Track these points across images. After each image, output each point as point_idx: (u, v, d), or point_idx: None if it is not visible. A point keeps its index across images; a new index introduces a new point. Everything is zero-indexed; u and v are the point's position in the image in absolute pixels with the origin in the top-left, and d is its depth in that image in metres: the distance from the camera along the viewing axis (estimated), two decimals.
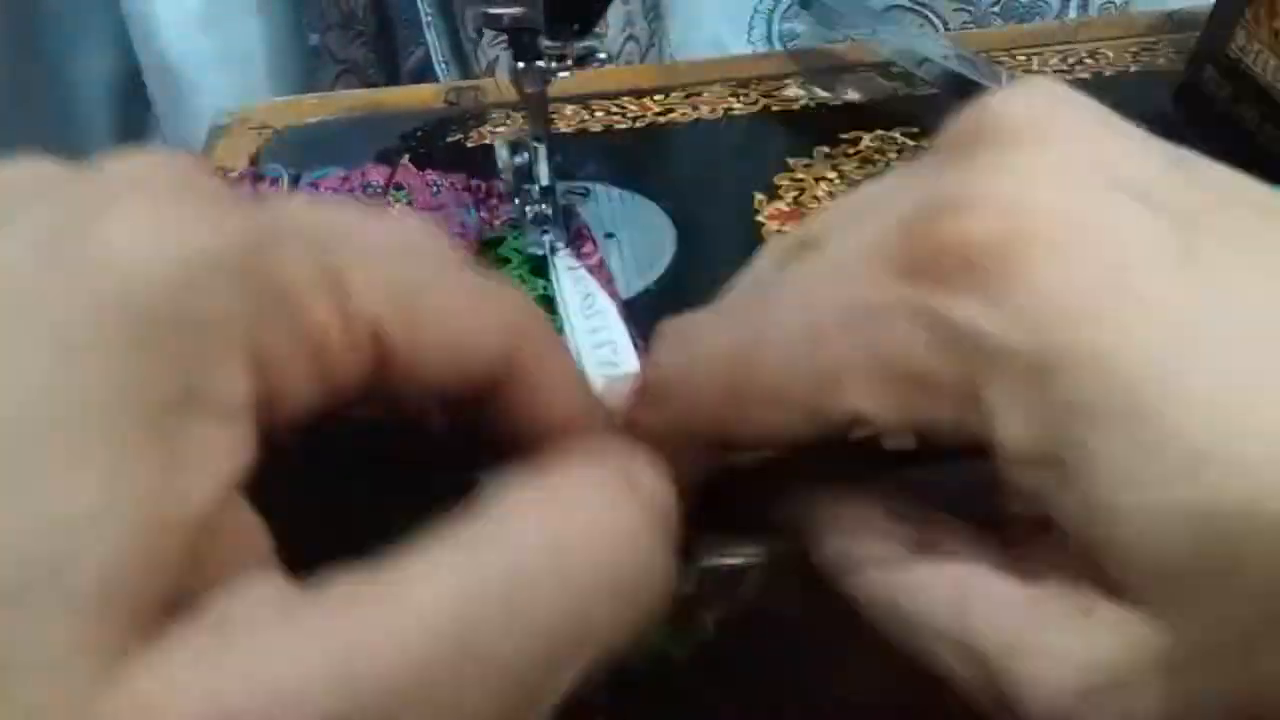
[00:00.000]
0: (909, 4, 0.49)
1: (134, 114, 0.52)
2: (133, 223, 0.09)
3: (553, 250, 0.28)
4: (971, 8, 0.49)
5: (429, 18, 0.48)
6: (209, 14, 0.46)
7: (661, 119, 0.38)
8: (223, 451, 0.09)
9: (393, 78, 0.55)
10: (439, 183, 0.29)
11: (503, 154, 0.28)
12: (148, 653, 0.08)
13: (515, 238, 0.29)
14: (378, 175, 0.29)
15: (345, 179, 0.29)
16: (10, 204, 0.10)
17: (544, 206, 0.28)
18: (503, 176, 0.30)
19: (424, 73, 0.52)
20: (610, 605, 0.10)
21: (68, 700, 0.08)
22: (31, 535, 0.08)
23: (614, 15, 0.48)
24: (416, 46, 0.52)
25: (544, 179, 0.28)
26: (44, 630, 0.08)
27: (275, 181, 0.29)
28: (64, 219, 0.10)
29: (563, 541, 0.10)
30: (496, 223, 0.30)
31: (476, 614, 0.09)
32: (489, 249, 0.28)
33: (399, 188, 0.29)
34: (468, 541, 0.10)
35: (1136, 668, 0.11)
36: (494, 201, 0.30)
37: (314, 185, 0.29)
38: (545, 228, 0.28)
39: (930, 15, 0.49)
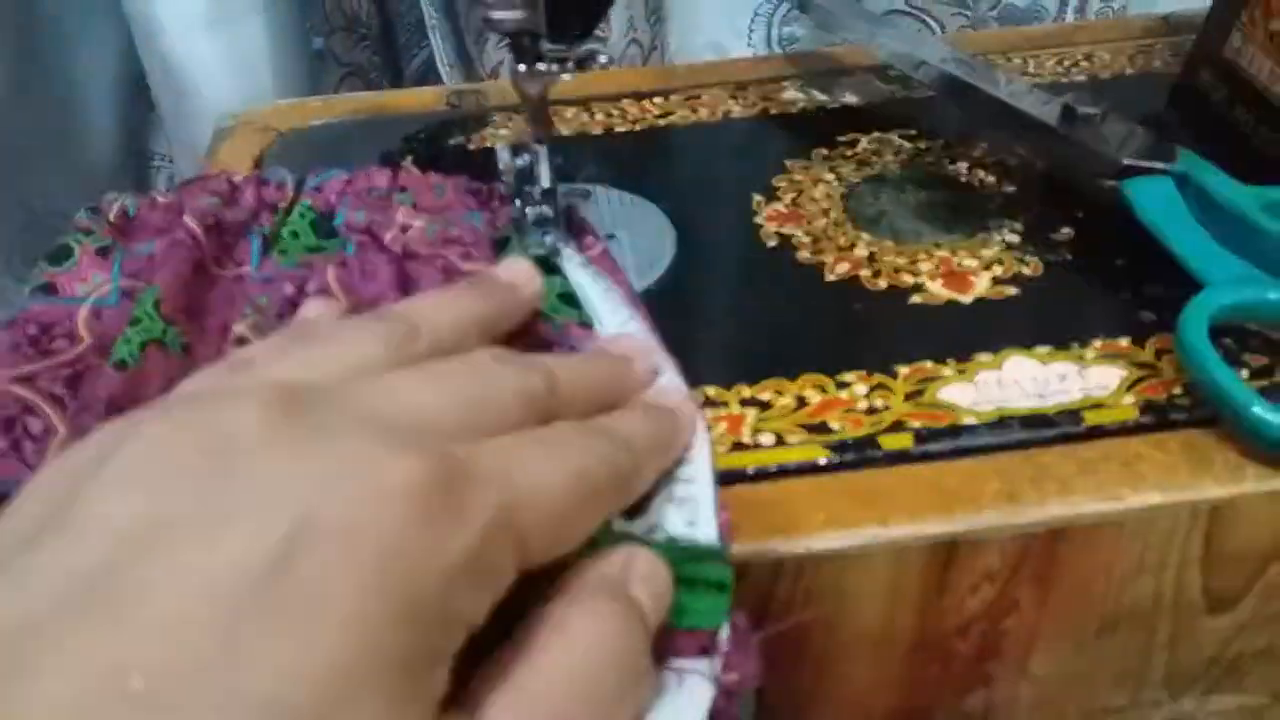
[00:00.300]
0: (907, 8, 0.49)
1: (137, 117, 0.53)
2: (411, 536, 0.12)
3: (556, 252, 0.28)
4: (969, 13, 0.49)
5: (433, 21, 0.49)
6: (213, 16, 0.46)
7: (661, 121, 0.38)
8: (445, 682, 0.13)
9: (396, 81, 0.55)
10: (442, 185, 0.29)
11: (504, 157, 0.28)
12: None
13: (519, 239, 0.29)
14: (381, 179, 0.29)
15: (349, 182, 0.29)
16: (287, 498, 0.12)
17: (545, 209, 0.29)
18: (504, 179, 0.30)
19: (428, 76, 0.52)
20: (619, 702, 0.14)
21: None
22: None
23: (616, 19, 0.48)
24: (420, 50, 0.52)
25: (545, 181, 0.28)
26: None
27: (281, 186, 0.29)
28: (367, 528, 0.12)
29: (577, 670, 0.14)
30: (499, 224, 0.30)
31: None
32: (498, 251, 0.29)
33: (403, 190, 0.29)
34: (517, 684, 0.14)
35: None
36: (496, 203, 0.30)
37: (317, 189, 0.29)
38: (546, 229, 0.29)
39: (928, 20, 0.49)
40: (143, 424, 0.13)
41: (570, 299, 0.26)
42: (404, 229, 0.26)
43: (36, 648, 0.11)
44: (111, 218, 0.26)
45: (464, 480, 0.13)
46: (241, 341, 0.22)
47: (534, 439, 0.16)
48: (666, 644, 0.17)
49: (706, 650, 0.17)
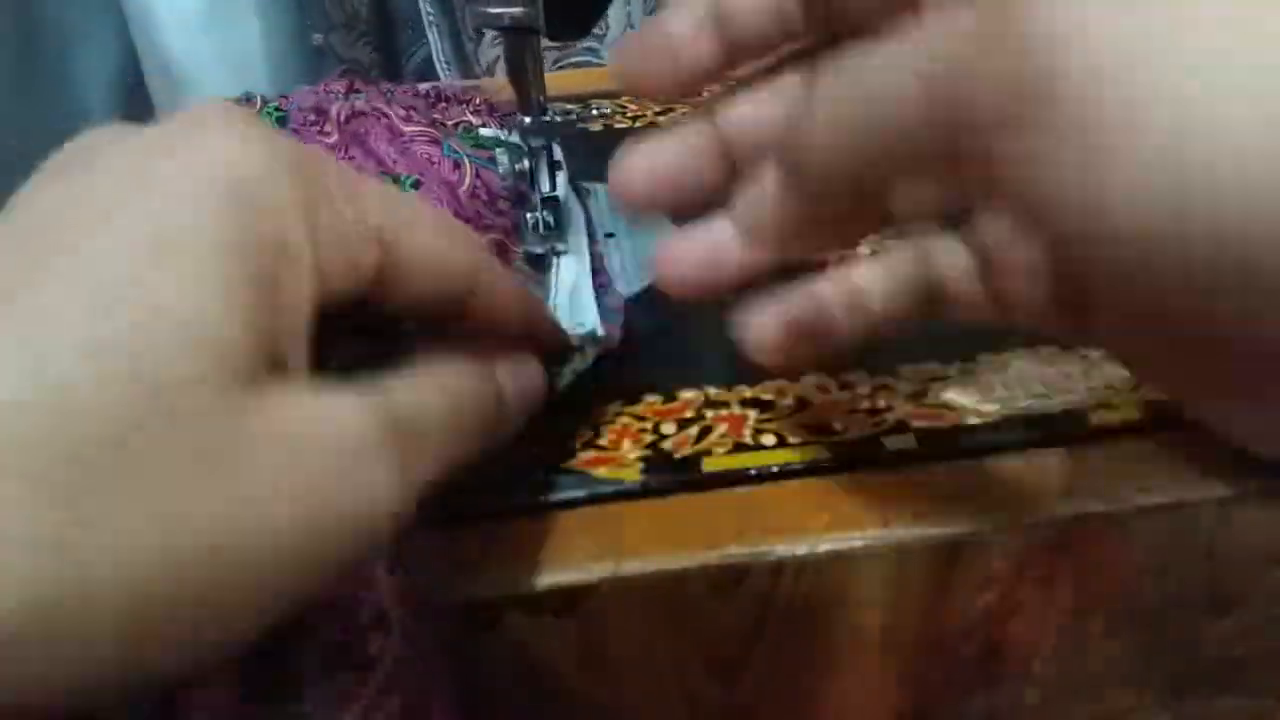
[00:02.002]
0: None
1: (135, 114, 0.52)
2: (226, 132, 0.14)
3: (556, 253, 0.28)
4: None
5: (431, 18, 0.48)
6: (210, 14, 0.46)
7: (661, 118, 0.38)
8: (302, 287, 0.14)
9: (395, 78, 0.55)
10: (391, 90, 0.32)
11: (503, 161, 0.27)
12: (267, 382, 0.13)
13: (466, 132, 0.31)
14: (339, 86, 0.33)
15: (311, 90, 0.33)
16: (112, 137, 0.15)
17: (546, 214, 0.28)
18: (504, 184, 0.30)
19: (426, 73, 0.52)
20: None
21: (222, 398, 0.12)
22: (180, 319, 0.12)
23: (615, 16, 0.48)
24: (418, 47, 0.52)
25: (545, 186, 0.27)
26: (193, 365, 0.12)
27: (251, 100, 0.33)
28: (171, 135, 0.14)
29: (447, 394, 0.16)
30: (449, 123, 0.32)
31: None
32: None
33: (357, 92, 0.32)
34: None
35: None
36: (443, 105, 0.33)
37: (284, 97, 0.32)
38: (546, 233, 0.28)
39: None
40: None
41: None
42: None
43: None
44: None
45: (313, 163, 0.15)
46: None
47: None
48: None
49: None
